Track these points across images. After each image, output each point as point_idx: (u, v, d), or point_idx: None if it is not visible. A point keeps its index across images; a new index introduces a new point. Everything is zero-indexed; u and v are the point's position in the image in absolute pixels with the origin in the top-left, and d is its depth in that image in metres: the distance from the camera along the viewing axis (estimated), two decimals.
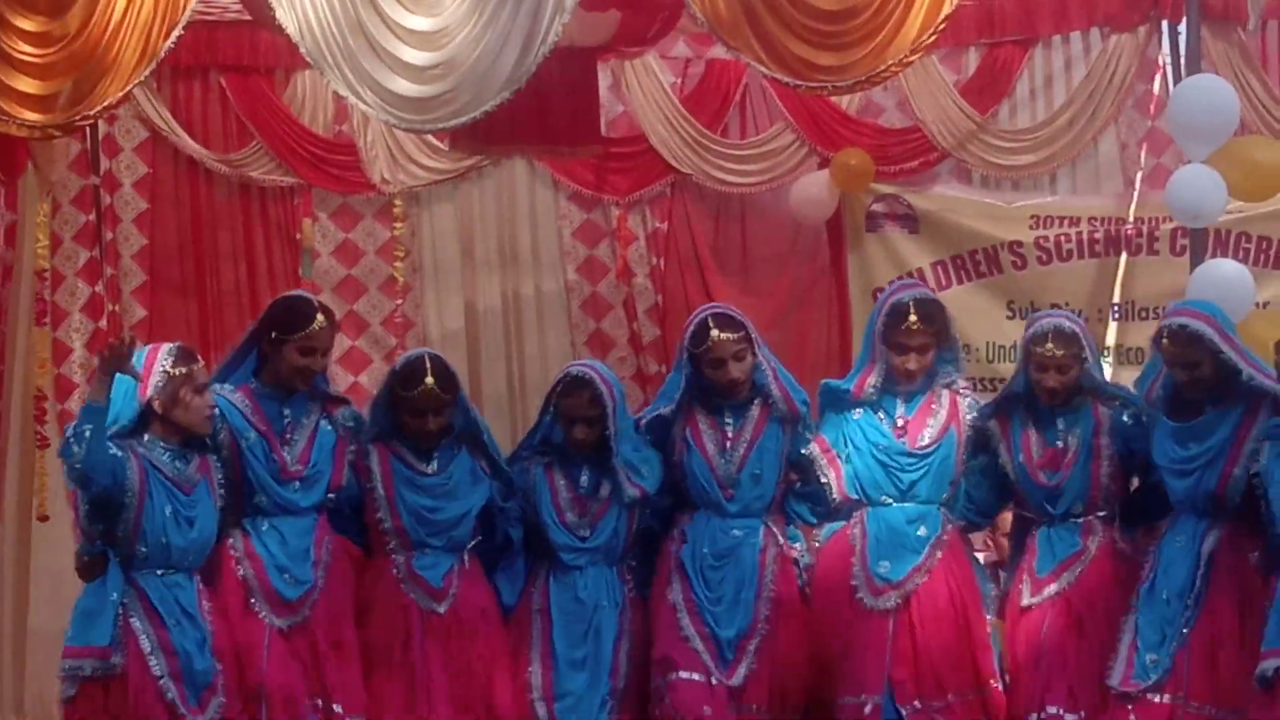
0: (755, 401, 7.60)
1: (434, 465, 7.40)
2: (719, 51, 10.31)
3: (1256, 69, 10.73)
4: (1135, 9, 10.89)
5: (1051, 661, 7.29)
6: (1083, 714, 7.17)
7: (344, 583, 7.38)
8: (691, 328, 7.66)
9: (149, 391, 6.84)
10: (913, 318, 7.47)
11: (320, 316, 7.36)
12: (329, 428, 7.43)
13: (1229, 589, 6.95)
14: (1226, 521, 7.00)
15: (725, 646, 7.39)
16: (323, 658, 7.22)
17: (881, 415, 7.60)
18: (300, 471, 7.28)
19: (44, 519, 10.77)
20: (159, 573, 6.81)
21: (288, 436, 7.32)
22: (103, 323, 11.12)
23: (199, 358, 7.10)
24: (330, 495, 7.40)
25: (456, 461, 7.45)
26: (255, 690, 7.05)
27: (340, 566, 7.37)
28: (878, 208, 11.26)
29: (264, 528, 7.26)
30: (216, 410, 7.15)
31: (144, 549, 6.74)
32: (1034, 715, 7.24)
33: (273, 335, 7.29)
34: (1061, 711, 7.20)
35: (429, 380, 7.28)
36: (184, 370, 6.87)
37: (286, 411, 7.34)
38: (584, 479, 7.53)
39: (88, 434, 6.58)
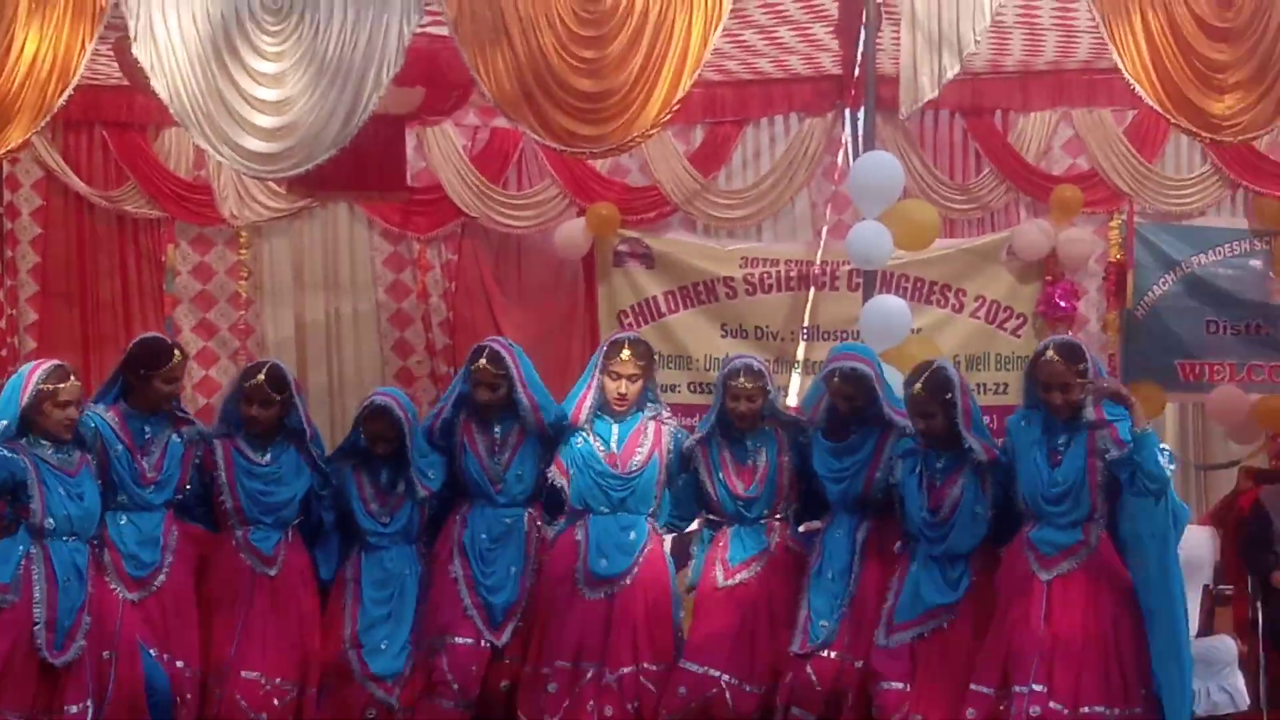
0: (512, 418, 7.84)
1: (267, 457, 7.62)
2: (501, 121, 10.76)
3: (916, 148, 11.37)
4: (824, 99, 11.45)
5: (739, 635, 7.57)
6: (748, 686, 7.49)
7: (187, 561, 7.56)
8: (471, 352, 8.00)
9: (25, 401, 7.05)
10: (626, 352, 7.79)
11: (177, 353, 7.70)
12: (178, 441, 7.60)
13: (878, 569, 7.38)
14: (873, 517, 7.47)
15: (496, 611, 7.67)
16: (169, 621, 7.43)
17: (598, 441, 7.79)
18: (155, 477, 7.46)
19: None
20: (65, 539, 7.02)
21: (148, 449, 7.49)
22: (2, 323, 11.37)
23: (70, 378, 7.20)
24: (178, 496, 7.59)
25: (286, 455, 7.66)
26: (110, 644, 7.23)
27: (184, 548, 7.55)
28: (623, 248, 11.60)
29: (123, 521, 7.43)
30: (91, 426, 7.34)
31: (51, 522, 6.95)
32: (718, 682, 7.51)
33: (141, 371, 7.51)
34: (730, 681, 7.49)
35: (260, 377, 7.58)
36: (50, 387, 7.05)
37: (147, 429, 7.51)
38: (384, 478, 7.78)
39: None
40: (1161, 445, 6.94)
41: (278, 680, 7.51)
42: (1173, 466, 7.00)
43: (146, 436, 7.53)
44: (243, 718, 7.41)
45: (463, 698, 7.60)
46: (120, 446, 7.43)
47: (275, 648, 7.55)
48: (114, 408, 7.53)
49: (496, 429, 7.81)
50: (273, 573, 7.61)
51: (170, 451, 7.58)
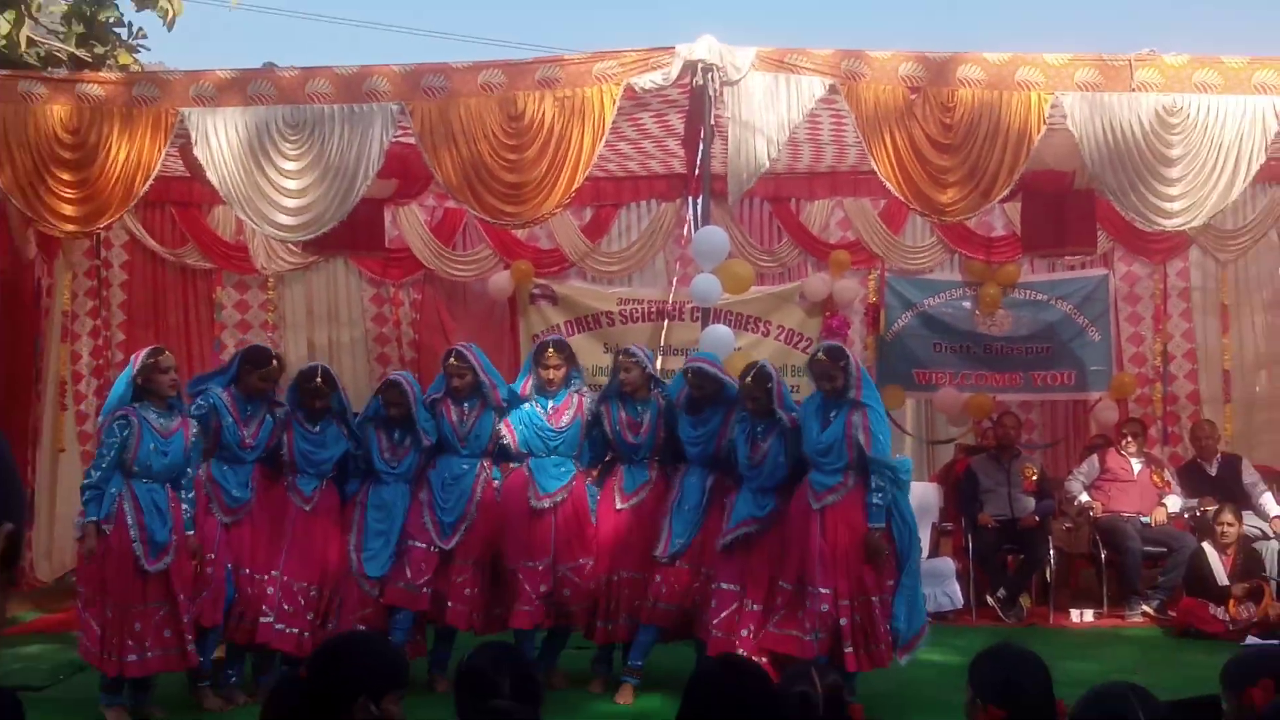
0: (477, 396, 7.72)
1: (318, 428, 7.58)
2: (451, 203, 10.79)
3: (737, 225, 11.45)
4: (675, 190, 11.54)
5: (631, 543, 7.58)
6: (638, 574, 7.49)
7: (262, 498, 7.56)
8: (445, 353, 8.01)
9: (136, 374, 7.04)
10: (550, 351, 7.80)
11: (275, 363, 7.66)
12: (270, 419, 7.55)
13: (718, 505, 7.41)
14: (718, 468, 7.47)
15: (446, 528, 7.61)
16: (250, 540, 7.47)
17: (539, 408, 7.73)
18: (252, 443, 7.44)
19: (62, 450, 10.97)
20: (145, 482, 6.94)
21: (249, 422, 7.46)
22: (99, 341, 11.39)
23: (166, 353, 7.26)
24: (264, 453, 7.54)
25: (331, 428, 7.63)
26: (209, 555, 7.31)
27: (262, 489, 7.55)
28: (536, 291, 11.59)
29: (225, 468, 7.41)
30: (210, 401, 7.38)
31: (137, 468, 6.92)
32: (618, 573, 7.58)
33: (247, 367, 7.50)
34: (631, 574, 7.53)
35: (319, 380, 7.58)
36: (153, 360, 7.06)
37: (248, 407, 7.47)
38: (396, 435, 7.70)
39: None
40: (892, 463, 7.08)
41: (305, 584, 7.50)
42: (906, 478, 7.17)
43: (248, 413, 7.48)
44: (282, 609, 7.42)
45: (414, 581, 7.59)
46: (230, 419, 7.39)
47: (307, 561, 7.56)
48: (227, 390, 7.49)
49: (465, 404, 7.73)
50: (309, 509, 7.58)
51: (264, 425, 7.53)
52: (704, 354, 8.04)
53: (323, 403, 7.64)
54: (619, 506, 7.68)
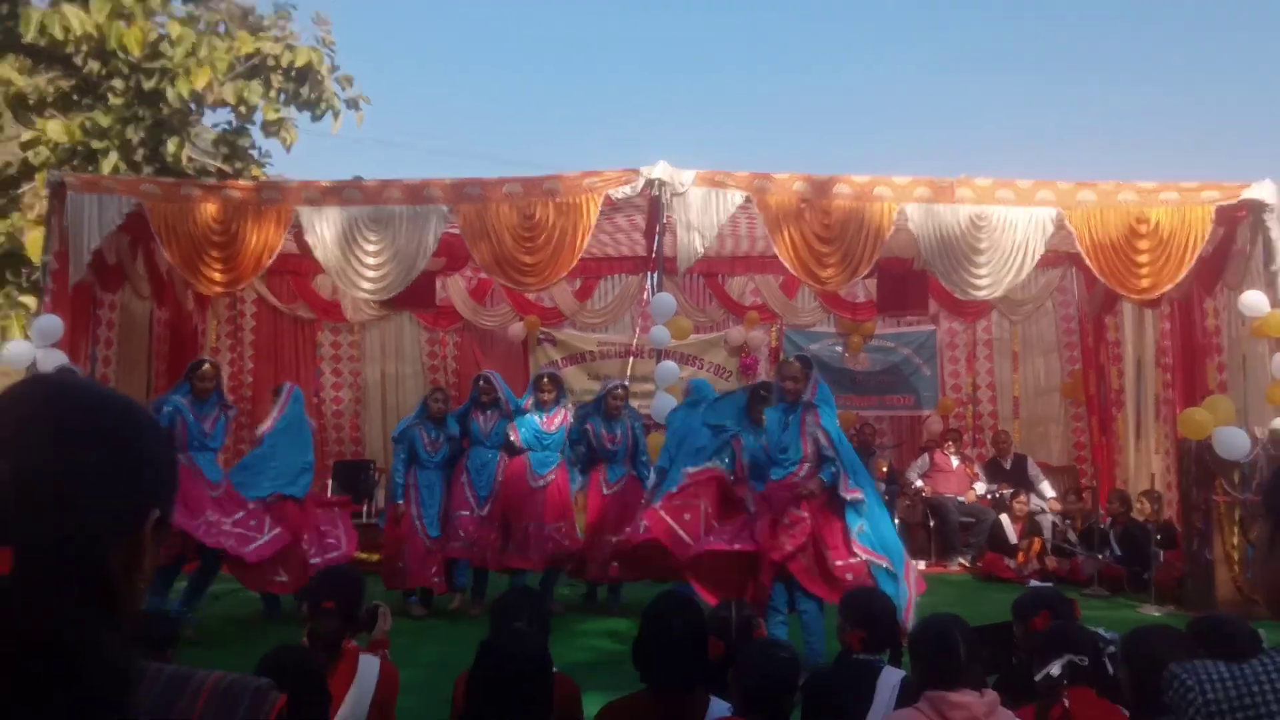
0: (496, 408, 7.62)
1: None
2: (484, 275, 10.49)
3: (681, 292, 11.29)
4: (638, 267, 11.29)
5: (618, 518, 7.35)
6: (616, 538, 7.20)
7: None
8: (475, 378, 7.95)
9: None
10: (546, 380, 7.71)
11: (206, 365, 7.00)
12: (224, 417, 6.96)
13: None
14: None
15: (481, 500, 7.49)
16: (228, 508, 6.88)
17: (539, 417, 7.58)
18: (210, 432, 6.79)
19: None
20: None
21: (204, 420, 6.80)
22: (235, 369, 11.17)
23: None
24: (223, 442, 7.11)
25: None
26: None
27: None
28: (541, 336, 11.62)
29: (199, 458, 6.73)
30: (171, 407, 6.74)
31: None
32: (602, 536, 7.36)
33: (186, 374, 7.00)
34: (610, 537, 7.29)
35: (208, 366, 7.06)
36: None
37: (204, 408, 6.82)
38: (433, 432, 7.53)
39: None
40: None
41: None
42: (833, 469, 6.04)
43: (203, 413, 6.80)
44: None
45: (467, 540, 7.46)
46: (190, 417, 6.71)
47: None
48: (186, 397, 6.79)
49: (488, 412, 7.61)
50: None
51: (219, 422, 6.90)
52: (690, 380, 7.83)
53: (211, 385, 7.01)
54: (605, 493, 7.58)
